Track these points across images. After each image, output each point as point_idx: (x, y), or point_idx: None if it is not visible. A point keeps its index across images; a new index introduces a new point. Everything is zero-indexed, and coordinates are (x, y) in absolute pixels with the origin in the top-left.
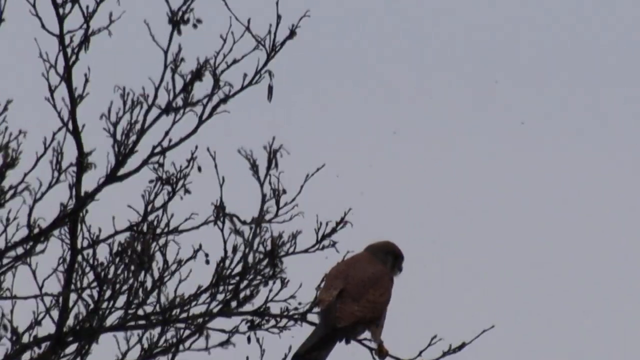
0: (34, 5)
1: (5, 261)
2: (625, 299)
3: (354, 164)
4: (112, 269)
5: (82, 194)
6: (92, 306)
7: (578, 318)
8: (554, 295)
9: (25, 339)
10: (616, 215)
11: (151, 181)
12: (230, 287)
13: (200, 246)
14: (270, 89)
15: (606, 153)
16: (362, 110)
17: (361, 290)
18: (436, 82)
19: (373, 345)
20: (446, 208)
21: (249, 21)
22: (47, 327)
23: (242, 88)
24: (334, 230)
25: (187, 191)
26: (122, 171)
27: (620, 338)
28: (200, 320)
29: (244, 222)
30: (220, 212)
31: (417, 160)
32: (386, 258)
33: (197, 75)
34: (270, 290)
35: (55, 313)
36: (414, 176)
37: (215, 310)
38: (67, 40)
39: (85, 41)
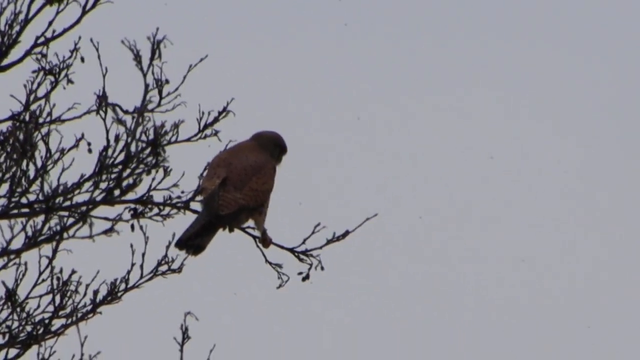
0: None
1: None
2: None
3: (239, 55)
4: None
5: None
6: None
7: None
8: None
9: None
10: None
11: (34, 71)
12: (114, 176)
13: (83, 135)
14: None
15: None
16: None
17: (244, 179)
18: None
19: (257, 233)
20: (324, 97)
21: None
22: None
23: None
24: (216, 120)
25: (70, 81)
26: (5, 62)
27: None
28: (83, 208)
29: (126, 112)
30: (102, 101)
31: (298, 50)
32: (274, 149)
33: None
34: (153, 179)
35: None
36: (294, 67)
37: (98, 199)
38: None
39: None
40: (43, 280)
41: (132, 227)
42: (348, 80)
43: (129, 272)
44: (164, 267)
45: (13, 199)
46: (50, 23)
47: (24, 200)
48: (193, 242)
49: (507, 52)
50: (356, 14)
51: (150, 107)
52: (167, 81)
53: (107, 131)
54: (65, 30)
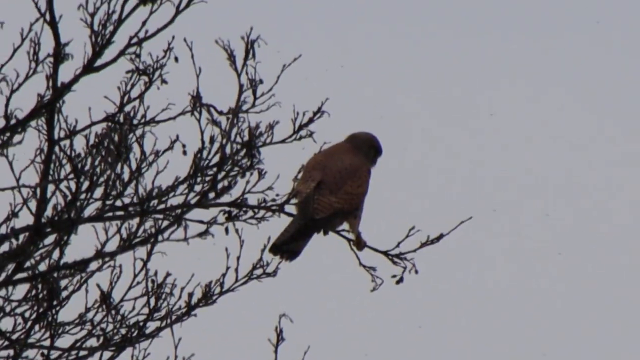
0: None
1: None
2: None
3: (331, 56)
4: (89, 160)
5: (59, 84)
6: (70, 197)
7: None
8: (529, 194)
9: (3, 230)
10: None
11: (128, 72)
12: (208, 178)
13: (178, 137)
14: None
15: None
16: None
17: (339, 182)
18: None
19: (351, 236)
20: (427, 101)
21: None
22: (25, 219)
23: None
24: (311, 120)
25: (164, 81)
26: (99, 62)
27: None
28: (178, 211)
29: (220, 113)
30: (197, 102)
31: (394, 54)
32: (369, 151)
33: None
34: (248, 182)
35: (32, 204)
36: (391, 69)
37: (193, 202)
38: None
39: None
40: (138, 283)
41: (227, 230)
42: (442, 74)
43: (223, 275)
44: (259, 271)
45: (108, 202)
46: (143, 23)
47: (118, 203)
48: (288, 247)
49: None
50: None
51: (244, 107)
52: (261, 81)
53: (202, 132)
54: (158, 30)
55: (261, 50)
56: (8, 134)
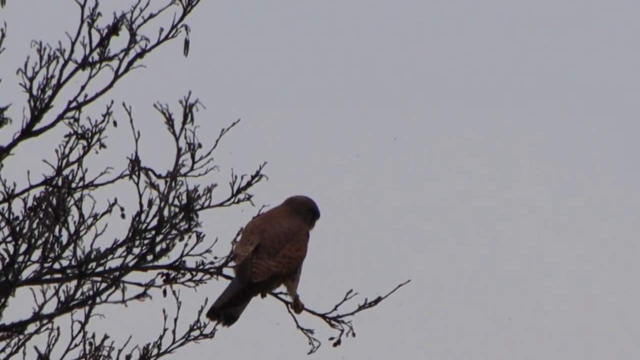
0: None
1: None
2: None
3: (270, 119)
4: (27, 223)
5: None
6: (7, 260)
7: (492, 271)
8: (470, 248)
9: None
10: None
11: (66, 136)
12: (146, 241)
13: (116, 200)
14: (186, 43)
15: None
16: (278, 64)
17: (277, 245)
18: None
19: (289, 299)
20: (359, 160)
21: None
22: None
23: (159, 42)
24: (249, 184)
25: (102, 145)
26: (37, 126)
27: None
28: (116, 273)
29: (159, 176)
30: (135, 166)
31: (328, 117)
32: (307, 214)
33: (114, 29)
34: (186, 245)
35: None
36: (325, 133)
37: (131, 264)
38: None
39: None
40: (76, 345)
41: (165, 292)
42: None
43: (161, 337)
44: (196, 332)
45: (46, 265)
46: (82, 87)
47: (56, 265)
48: (225, 311)
49: None
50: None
51: (183, 171)
52: (199, 145)
53: (140, 196)
54: (97, 95)
55: (200, 114)
56: None
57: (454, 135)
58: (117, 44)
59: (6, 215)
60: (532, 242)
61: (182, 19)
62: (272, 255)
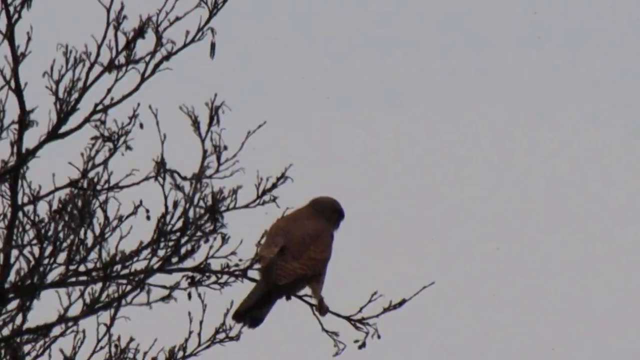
0: None
1: None
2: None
3: (298, 121)
4: (52, 225)
5: (24, 151)
6: (33, 263)
7: (519, 276)
8: (496, 251)
9: None
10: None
11: (92, 138)
12: (171, 243)
13: (141, 202)
14: (212, 46)
15: None
16: (303, 66)
17: (302, 247)
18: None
19: (314, 301)
20: (388, 163)
21: None
22: None
23: (185, 45)
24: (274, 186)
25: (128, 147)
26: (63, 129)
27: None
28: (141, 276)
29: (184, 178)
30: (160, 168)
31: (356, 120)
32: (332, 215)
33: (140, 32)
34: (211, 247)
35: None
36: (353, 134)
37: (156, 266)
38: None
39: None
40: (101, 348)
41: (190, 295)
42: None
43: (186, 340)
44: (221, 335)
45: (71, 267)
46: (109, 90)
47: (81, 268)
48: (251, 314)
49: None
50: None
51: (208, 173)
52: (225, 147)
53: (166, 198)
54: (123, 97)
55: (226, 116)
56: None
57: (489, 137)
58: (143, 46)
59: (31, 217)
60: (563, 246)
61: (208, 21)
62: (297, 257)
